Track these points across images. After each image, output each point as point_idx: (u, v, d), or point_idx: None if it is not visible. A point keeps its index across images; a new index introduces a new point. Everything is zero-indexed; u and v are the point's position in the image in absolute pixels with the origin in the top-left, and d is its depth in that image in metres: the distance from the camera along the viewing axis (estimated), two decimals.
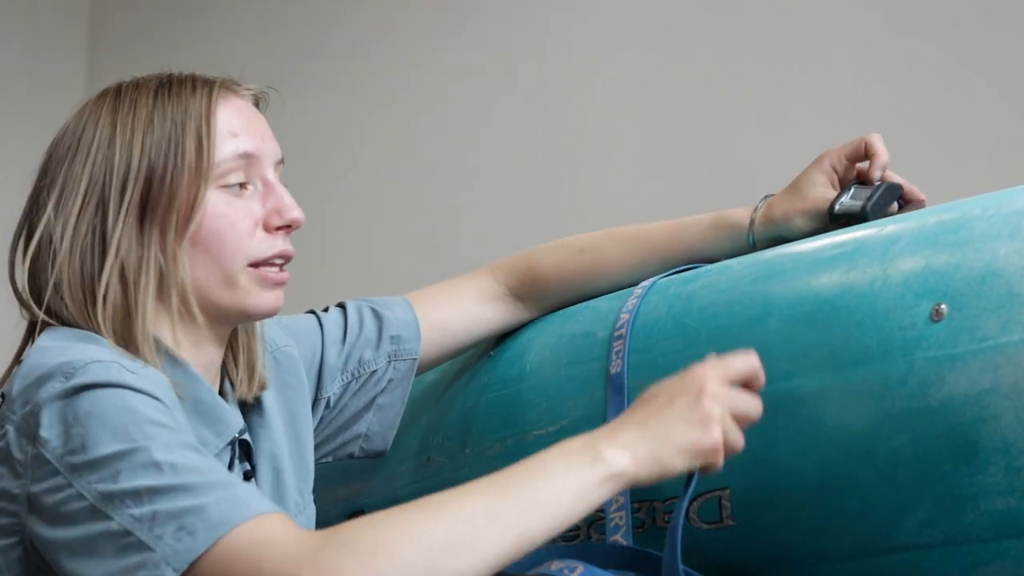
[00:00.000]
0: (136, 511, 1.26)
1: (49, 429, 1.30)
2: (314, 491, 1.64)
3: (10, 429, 1.32)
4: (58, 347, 1.36)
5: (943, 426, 1.29)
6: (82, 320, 1.41)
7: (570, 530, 1.49)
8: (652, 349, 1.48)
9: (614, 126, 3.20)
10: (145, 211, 1.42)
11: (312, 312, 1.69)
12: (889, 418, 1.31)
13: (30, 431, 1.31)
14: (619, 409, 1.48)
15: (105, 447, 1.28)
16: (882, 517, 1.35)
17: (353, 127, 3.67)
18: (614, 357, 1.50)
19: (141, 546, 1.25)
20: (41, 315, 1.42)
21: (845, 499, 1.36)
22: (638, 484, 1.27)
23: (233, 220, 1.45)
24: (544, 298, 1.72)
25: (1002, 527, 1.30)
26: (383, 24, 3.66)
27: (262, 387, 1.54)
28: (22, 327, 1.50)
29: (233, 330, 1.52)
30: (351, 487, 1.76)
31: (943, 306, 1.30)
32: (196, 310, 1.43)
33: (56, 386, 1.31)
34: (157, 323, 1.43)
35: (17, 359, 1.45)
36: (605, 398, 1.50)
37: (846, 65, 2.87)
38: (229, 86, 1.51)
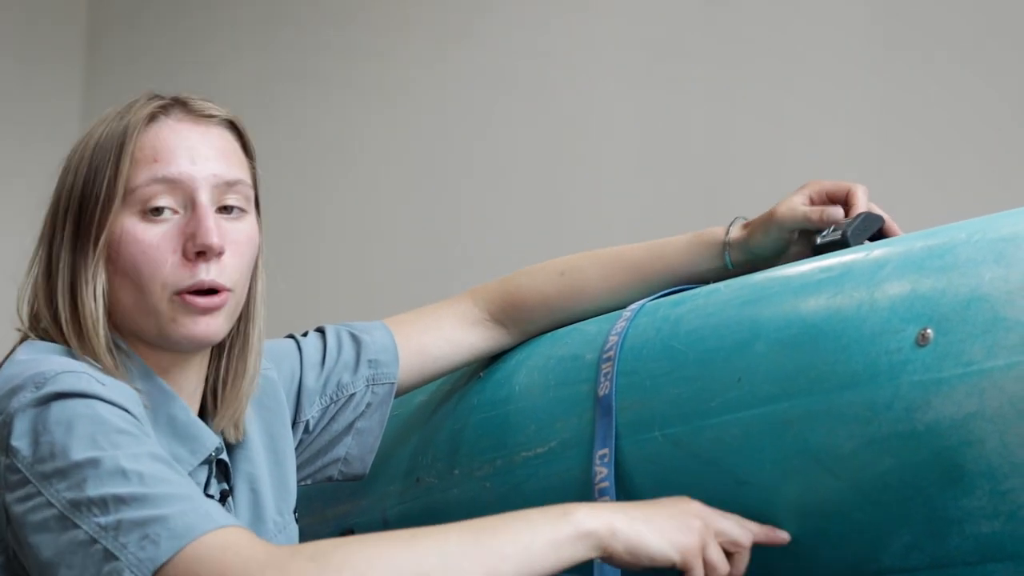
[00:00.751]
0: (102, 520, 1.27)
1: (20, 439, 1.31)
2: (303, 511, 1.65)
3: None
4: (31, 359, 1.38)
5: (929, 450, 1.29)
6: (55, 335, 1.44)
7: None
8: (640, 371, 1.49)
9: (612, 129, 3.21)
10: (78, 238, 1.45)
11: (291, 336, 1.69)
12: (875, 442, 1.32)
13: (2, 441, 1.32)
14: (607, 431, 1.48)
15: (73, 455, 1.29)
16: (868, 540, 1.36)
17: (351, 131, 3.68)
18: (602, 379, 1.50)
19: (107, 554, 1.26)
20: (25, 330, 1.46)
21: (831, 522, 1.37)
22: (617, 555, 1.31)
23: (145, 247, 1.43)
24: (526, 323, 1.72)
25: (987, 551, 1.30)
26: (382, 29, 3.68)
27: (244, 406, 1.54)
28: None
29: (216, 360, 1.52)
30: (340, 507, 1.76)
31: (929, 331, 1.30)
32: (128, 334, 1.45)
33: (27, 396, 1.33)
34: (132, 342, 1.45)
35: None
36: (593, 420, 1.50)
37: (844, 67, 2.87)
38: (170, 107, 1.48)
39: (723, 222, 1.63)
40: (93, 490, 1.28)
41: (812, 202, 1.57)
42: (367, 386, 1.66)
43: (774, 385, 1.38)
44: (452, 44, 3.54)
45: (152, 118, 1.46)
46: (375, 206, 3.62)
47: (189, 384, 1.49)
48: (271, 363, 1.63)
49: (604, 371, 1.50)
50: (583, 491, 1.48)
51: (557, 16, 3.35)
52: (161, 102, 1.48)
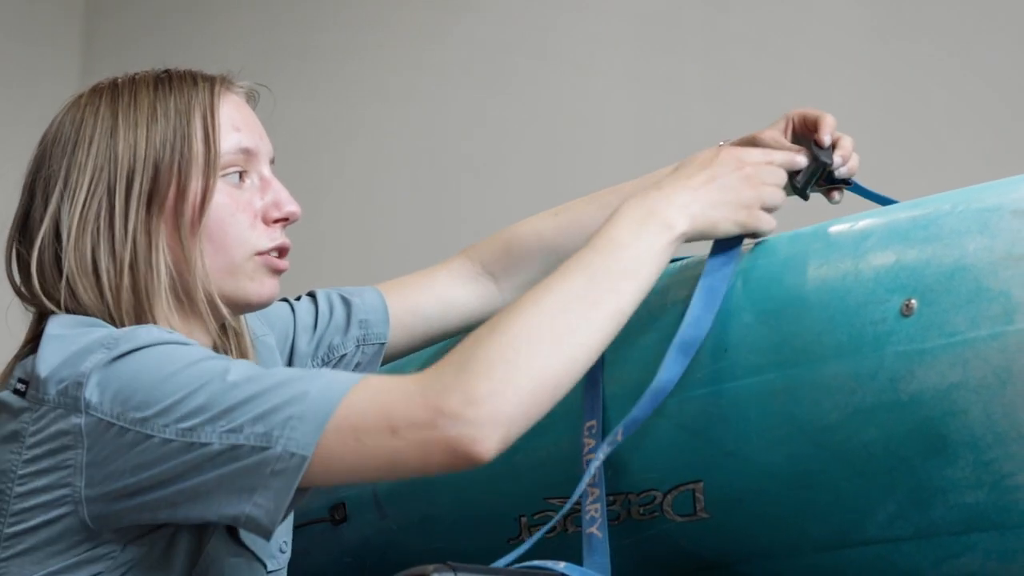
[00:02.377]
0: (232, 425, 1.28)
1: (100, 394, 1.31)
2: None
3: (46, 409, 1.33)
4: (79, 331, 1.38)
5: (912, 420, 1.30)
6: (97, 310, 1.42)
7: (546, 523, 1.52)
8: (627, 343, 1.49)
9: (607, 123, 3.22)
10: (152, 202, 1.43)
11: (285, 299, 1.70)
12: (859, 412, 1.32)
13: (73, 403, 1.32)
14: (594, 403, 1.49)
15: (169, 391, 1.30)
16: (853, 510, 1.36)
17: (349, 123, 3.68)
18: None
19: (254, 451, 1.27)
20: (49, 306, 1.43)
21: (816, 492, 1.37)
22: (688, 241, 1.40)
23: (234, 210, 1.47)
24: (521, 271, 1.72)
25: (971, 521, 1.31)
26: (379, 20, 3.67)
27: None
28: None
29: (222, 328, 1.53)
30: None
31: (913, 301, 1.31)
32: (200, 299, 1.45)
33: (100, 356, 1.33)
34: (157, 312, 1.44)
35: (27, 349, 1.44)
36: (581, 391, 1.51)
37: (841, 63, 2.88)
38: (226, 82, 1.52)
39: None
40: (210, 408, 1.28)
41: (795, 130, 1.64)
42: (357, 346, 1.68)
43: (760, 356, 1.39)
44: (448, 37, 3.53)
45: (222, 90, 1.50)
46: (376, 189, 3.63)
47: None
48: (266, 326, 1.64)
49: None
50: (572, 463, 1.48)
51: (553, 11, 3.35)
52: (212, 75, 1.51)
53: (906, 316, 1.31)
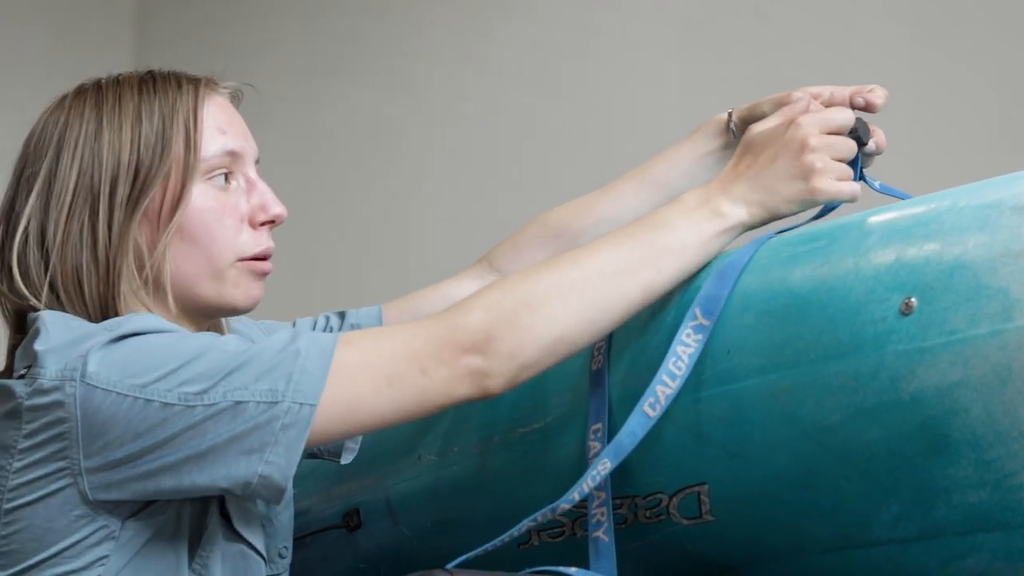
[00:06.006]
0: (235, 384, 1.31)
1: (99, 366, 1.33)
2: (308, 491, 1.66)
3: (45, 383, 1.34)
4: (77, 322, 1.39)
5: (914, 420, 1.28)
6: (80, 312, 1.43)
7: (555, 526, 1.52)
8: (632, 345, 1.48)
9: (651, 126, 3.20)
10: (137, 206, 1.44)
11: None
12: (861, 412, 1.31)
13: (71, 375, 1.33)
14: (600, 406, 1.48)
15: (169, 362, 1.33)
16: (857, 511, 1.35)
17: (395, 120, 3.68)
18: (596, 353, 1.50)
19: (260, 407, 1.31)
20: (34, 303, 1.43)
21: (820, 493, 1.36)
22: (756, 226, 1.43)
23: (220, 214, 1.47)
24: (525, 259, 1.71)
25: (975, 521, 1.29)
26: (426, 19, 3.67)
27: None
28: None
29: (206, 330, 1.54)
30: (345, 486, 1.77)
31: (913, 299, 1.29)
32: (172, 302, 1.46)
33: (103, 337, 1.35)
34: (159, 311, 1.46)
35: (18, 339, 1.45)
36: (587, 395, 1.50)
37: (881, 61, 2.86)
38: (211, 84, 1.52)
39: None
40: (211, 372, 1.31)
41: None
42: None
43: (762, 357, 1.38)
44: (496, 37, 3.53)
45: (207, 92, 1.50)
46: (416, 194, 3.63)
47: None
48: (265, 335, 1.64)
49: (598, 346, 1.50)
50: (578, 466, 1.48)
51: (601, 14, 3.34)
52: (196, 76, 1.52)
53: (906, 315, 1.29)
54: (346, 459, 1.66)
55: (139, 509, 1.37)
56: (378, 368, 1.34)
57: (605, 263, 1.37)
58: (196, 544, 1.41)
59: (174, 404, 1.31)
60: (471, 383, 1.36)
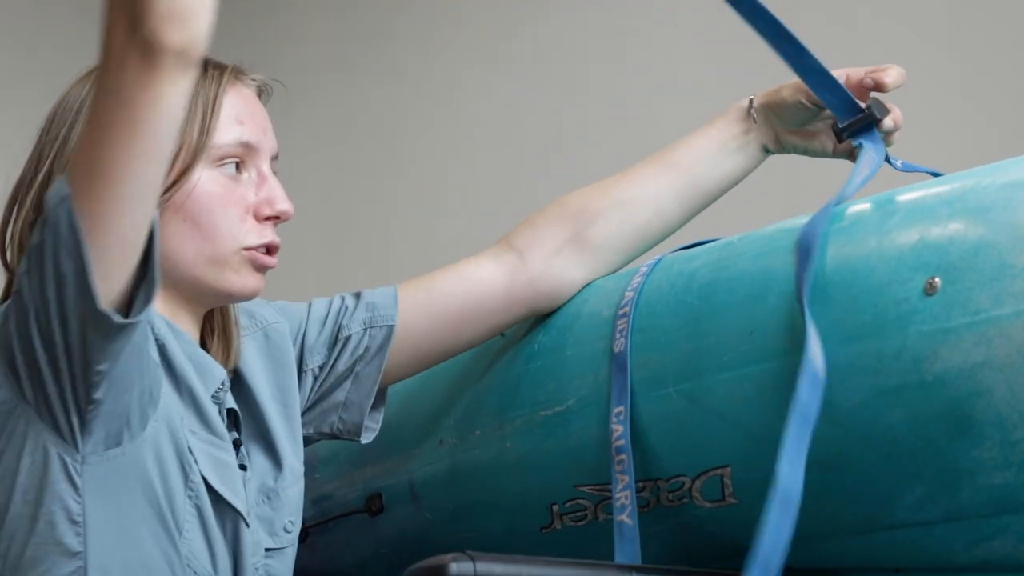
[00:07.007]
0: None
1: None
2: (330, 473, 1.65)
3: None
4: None
5: (938, 401, 1.27)
6: None
7: (577, 511, 1.51)
8: (654, 328, 1.48)
9: (680, 130, 3.18)
10: None
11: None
12: (884, 393, 1.30)
13: None
14: (622, 388, 1.47)
15: None
16: (881, 493, 1.34)
17: (420, 117, 3.68)
18: (618, 335, 1.49)
19: None
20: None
21: (844, 475, 1.35)
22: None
23: (225, 201, 1.48)
24: (546, 239, 1.69)
25: (1000, 502, 1.28)
26: (455, 14, 3.67)
27: (235, 362, 1.57)
28: None
29: (208, 314, 1.53)
30: (368, 469, 1.77)
31: (936, 279, 1.28)
32: (183, 285, 1.48)
33: None
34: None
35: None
36: (609, 377, 1.49)
37: (925, 66, 2.85)
38: (238, 73, 1.52)
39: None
40: None
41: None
42: (364, 329, 1.64)
43: (786, 339, 1.36)
44: (525, 36, 3.52)
45: (231, 81, 1.51)
46: (445, 186, 3.62)
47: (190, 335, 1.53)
48: (281, 315, 1.64)
49: (619, 327, 1.49)
50: (601, 449, 1.47)
51: (634, 19, 3.33)
52: (224, 64, 1.52)
53: (929, 295, 1.28)
54: (366, 438, 1.65)
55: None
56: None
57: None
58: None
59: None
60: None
